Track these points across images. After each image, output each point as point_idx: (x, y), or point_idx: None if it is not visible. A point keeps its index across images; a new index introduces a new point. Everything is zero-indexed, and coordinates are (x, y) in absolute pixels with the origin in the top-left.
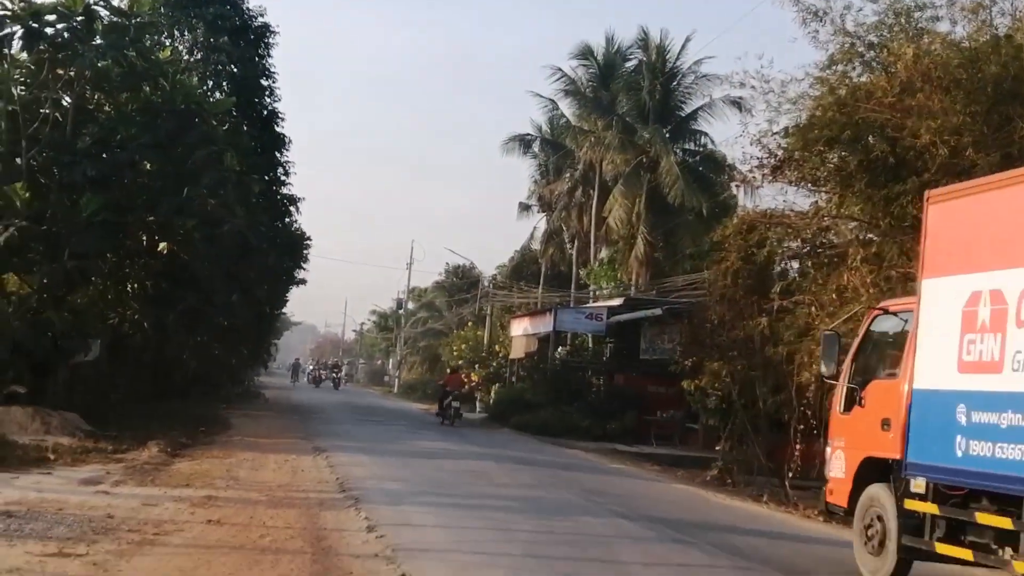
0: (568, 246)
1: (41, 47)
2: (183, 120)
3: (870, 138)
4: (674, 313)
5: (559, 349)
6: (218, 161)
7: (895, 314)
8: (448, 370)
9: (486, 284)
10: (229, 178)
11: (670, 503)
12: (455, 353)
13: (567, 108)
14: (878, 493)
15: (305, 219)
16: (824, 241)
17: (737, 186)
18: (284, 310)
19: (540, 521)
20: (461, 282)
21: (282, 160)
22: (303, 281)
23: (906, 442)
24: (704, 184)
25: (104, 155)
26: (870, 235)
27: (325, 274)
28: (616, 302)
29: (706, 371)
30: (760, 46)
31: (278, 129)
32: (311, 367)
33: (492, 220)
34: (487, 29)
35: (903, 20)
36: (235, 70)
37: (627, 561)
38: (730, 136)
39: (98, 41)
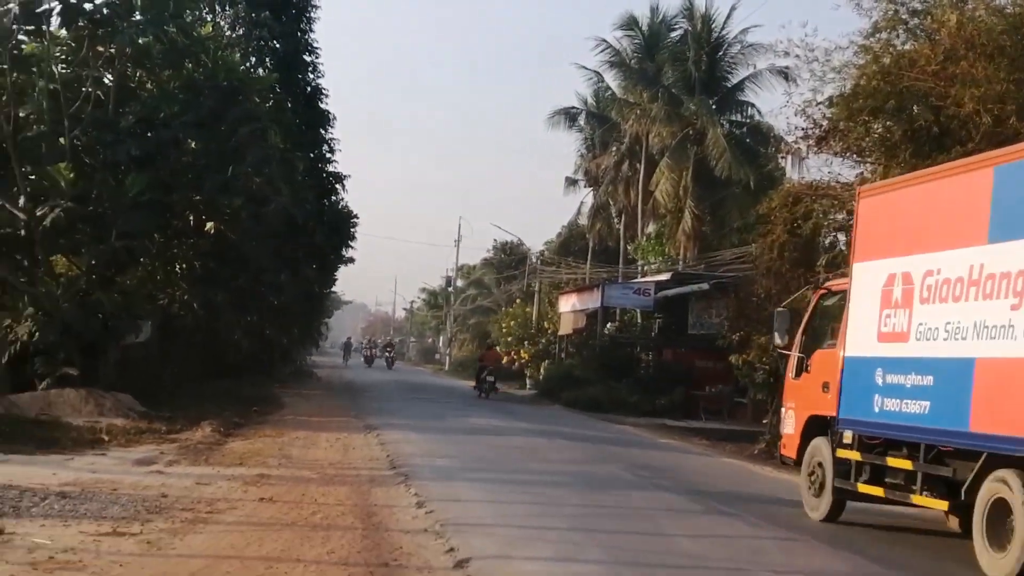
0: (615, 221)
1: (80, 23)
2: (226, 97)
3: (914, 107)
4: (721, 287)
5: (607, 325)
6: (262, 138)
7: (836, 293)
8: (487, 347)
9: (534, 260)
10: (274, 156)
11: (717, 477)
12: (504, 330)
13: (612, 80)
14: (819, 445)
15: (351, 197)
16: None
17: (783, 157)
18: (334, 289)
19: (587, 496)
20: (509, 259)
21: (327, 137)
22: (351, 259)
23: (839, 401)
24: (751, 156)
25: (148, 134)
26: None
27: (374, 253)
28: (664, 277)
29: (754, 345)
30: (804, 13)
31: (322, 106)
32: (364, 346)
33: (539, 195)
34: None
35: None
36: (277, 46)
37: (673, 534)
38: (776, 107)
39: (138, 17)
